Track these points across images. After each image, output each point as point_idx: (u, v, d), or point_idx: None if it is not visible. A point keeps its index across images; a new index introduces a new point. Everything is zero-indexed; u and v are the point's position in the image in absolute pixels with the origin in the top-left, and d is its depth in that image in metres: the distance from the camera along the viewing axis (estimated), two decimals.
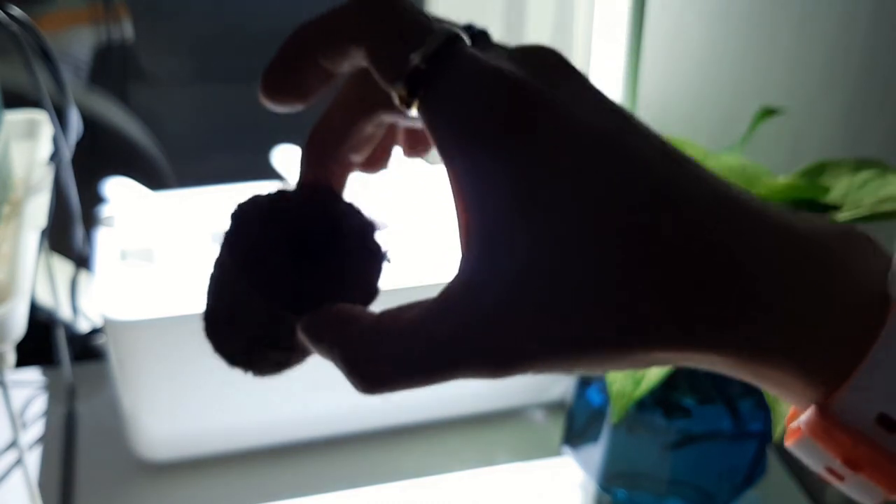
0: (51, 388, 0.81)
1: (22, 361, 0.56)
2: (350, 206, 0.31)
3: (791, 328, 0.24)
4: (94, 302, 0.69)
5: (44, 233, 0.64)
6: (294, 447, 0.75)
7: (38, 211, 0.60)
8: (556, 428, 0.77)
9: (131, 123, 1.01)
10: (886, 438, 0.24)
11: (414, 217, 0.78)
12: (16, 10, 0.61)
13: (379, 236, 0.31)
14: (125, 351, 0.67)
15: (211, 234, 0.75)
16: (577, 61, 0.82)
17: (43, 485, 0.71)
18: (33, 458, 0.73)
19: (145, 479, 0.72)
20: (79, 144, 0.68)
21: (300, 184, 0.31)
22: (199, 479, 0.72)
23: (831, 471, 0.25)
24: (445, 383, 0.26)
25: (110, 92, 1.01)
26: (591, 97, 0.25)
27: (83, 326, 0.80)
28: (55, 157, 0.66)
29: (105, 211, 0.76)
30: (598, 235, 0.24)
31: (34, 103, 0.65)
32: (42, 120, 0.68)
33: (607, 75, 0.77)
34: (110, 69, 1.03)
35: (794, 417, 0.26)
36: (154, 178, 0.99)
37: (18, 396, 0.79)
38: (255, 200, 0.30)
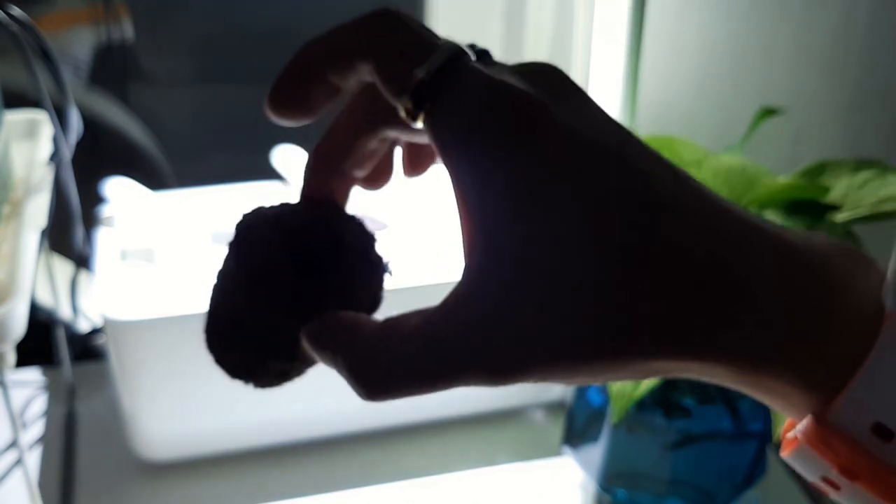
0: (51, 388, 0.81)
1: (22, 361, 0.56)
2: (352, 219, 0.31)
3: (792, 344, 0.24)
4: (94, 302, 0.69)
5: (44, 233, 0.65)
6: (294, 447, 0.75)
7: (38, 211, 0.60)
8: (556, 428, 0.77)
9: (131, 123, 1.01)
10: (881, 448, 0.24)
11: (414, 217, 0.78)
12: (16, 10, 0.61)
13: (380, 248, 0.31)
14: (125, 351, 0.67)
15: (211, 234, 0.75)
16: (578, 62, 0.82)
17: (43, 485, 0.71)
18: (33, 458, 0.73)
19: (145, 479, 0.72)
20: (79, 144, 0.68)
21: (303, 196, 0.31)
22: (199, 479, 0.72)
23: (827, 480, 0.25)
24: (448, 391, 0.26)
25: (110, 92, 1.01)
26: (593, 114, 0.26)
27: (83, 326, 0.80)
28: (55, 157, 0.66)
29: (105, 211, 0.76)
30: (598, 235, 0.24)
31: (34, 103, 0.65)
32: (42, 120, 0.68)
33: (607, 75, 0.77)
34: (110, 69, 1.03)
35: (790, 428, 0.26)
36: (154, 178, 0.99)
37: (18, 396, 0.79)
38: (260, 213, 0.30)
